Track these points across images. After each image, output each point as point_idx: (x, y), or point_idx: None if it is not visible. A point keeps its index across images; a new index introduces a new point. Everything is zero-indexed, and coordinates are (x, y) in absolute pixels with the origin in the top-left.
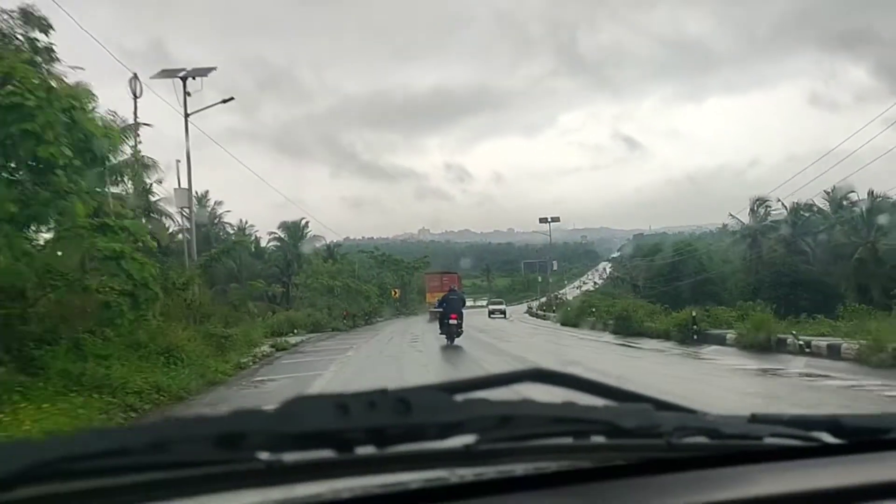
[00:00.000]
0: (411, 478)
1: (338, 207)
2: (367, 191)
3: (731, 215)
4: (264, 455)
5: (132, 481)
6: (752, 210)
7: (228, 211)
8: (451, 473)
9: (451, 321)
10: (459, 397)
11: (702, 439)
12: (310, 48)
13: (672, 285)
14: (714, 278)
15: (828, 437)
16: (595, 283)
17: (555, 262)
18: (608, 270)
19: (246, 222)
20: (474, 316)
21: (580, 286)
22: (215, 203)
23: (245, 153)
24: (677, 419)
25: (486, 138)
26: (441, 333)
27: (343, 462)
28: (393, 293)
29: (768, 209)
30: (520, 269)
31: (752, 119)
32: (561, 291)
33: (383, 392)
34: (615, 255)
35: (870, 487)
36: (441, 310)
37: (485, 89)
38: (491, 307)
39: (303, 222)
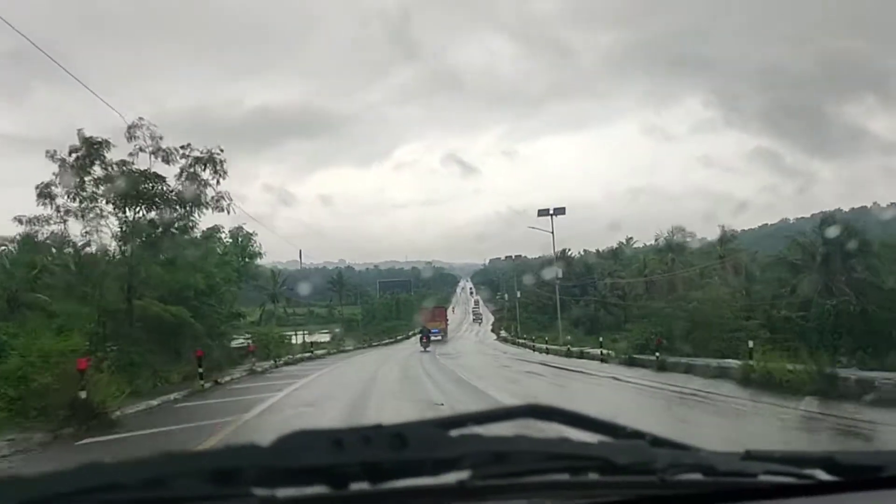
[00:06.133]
0: None
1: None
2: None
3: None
4: (259, 490)
5: None
6: None
7: None
8: None
9: (423, 340)
10: (454, 432)
11: (696, 476)
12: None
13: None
14: None
15: (822, 475)
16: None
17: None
18: (507, 296)
19: None
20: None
21: (498, 312)
22: None
23: (27, 165)
24: (671, 456)
25: (317, 167)
26: (420, 345)
27: (337, 498)
28: None
29: None
30: (369, 295)
31: (587, 154)
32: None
33: (378, 427)
34: (467, 282)
35: None
36: (421, 333)
37: (317, 116)
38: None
39: None
